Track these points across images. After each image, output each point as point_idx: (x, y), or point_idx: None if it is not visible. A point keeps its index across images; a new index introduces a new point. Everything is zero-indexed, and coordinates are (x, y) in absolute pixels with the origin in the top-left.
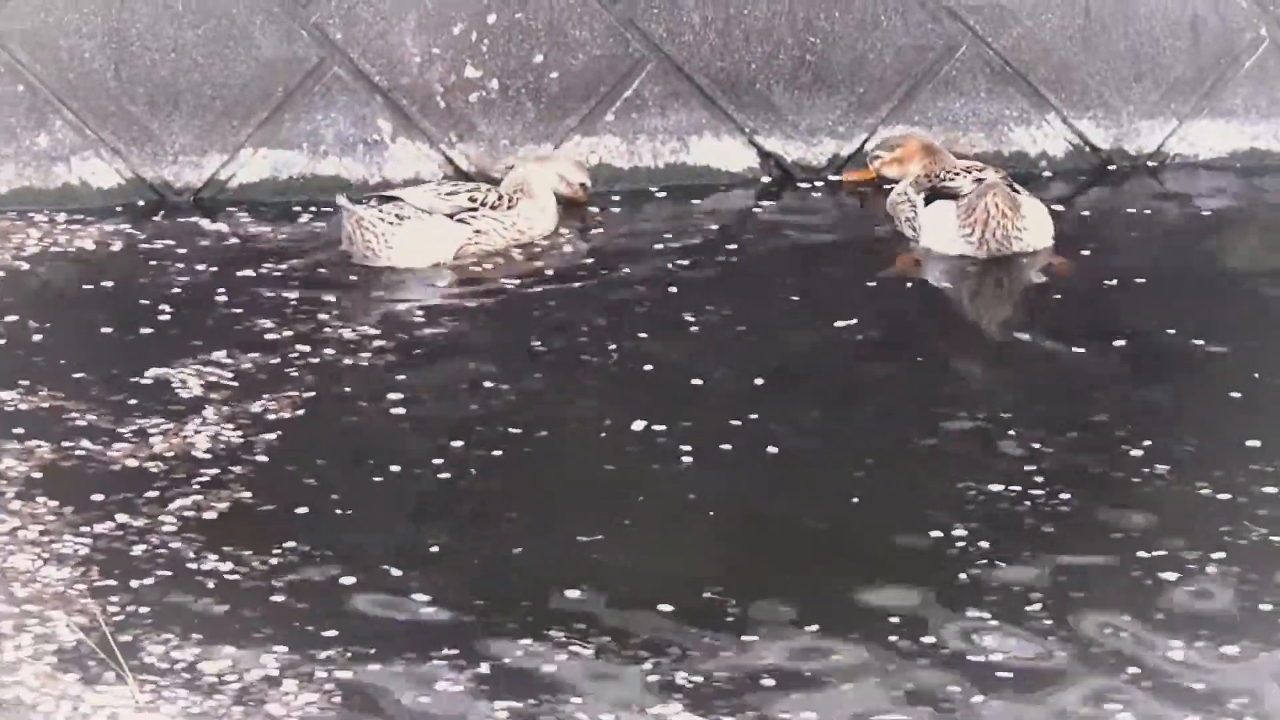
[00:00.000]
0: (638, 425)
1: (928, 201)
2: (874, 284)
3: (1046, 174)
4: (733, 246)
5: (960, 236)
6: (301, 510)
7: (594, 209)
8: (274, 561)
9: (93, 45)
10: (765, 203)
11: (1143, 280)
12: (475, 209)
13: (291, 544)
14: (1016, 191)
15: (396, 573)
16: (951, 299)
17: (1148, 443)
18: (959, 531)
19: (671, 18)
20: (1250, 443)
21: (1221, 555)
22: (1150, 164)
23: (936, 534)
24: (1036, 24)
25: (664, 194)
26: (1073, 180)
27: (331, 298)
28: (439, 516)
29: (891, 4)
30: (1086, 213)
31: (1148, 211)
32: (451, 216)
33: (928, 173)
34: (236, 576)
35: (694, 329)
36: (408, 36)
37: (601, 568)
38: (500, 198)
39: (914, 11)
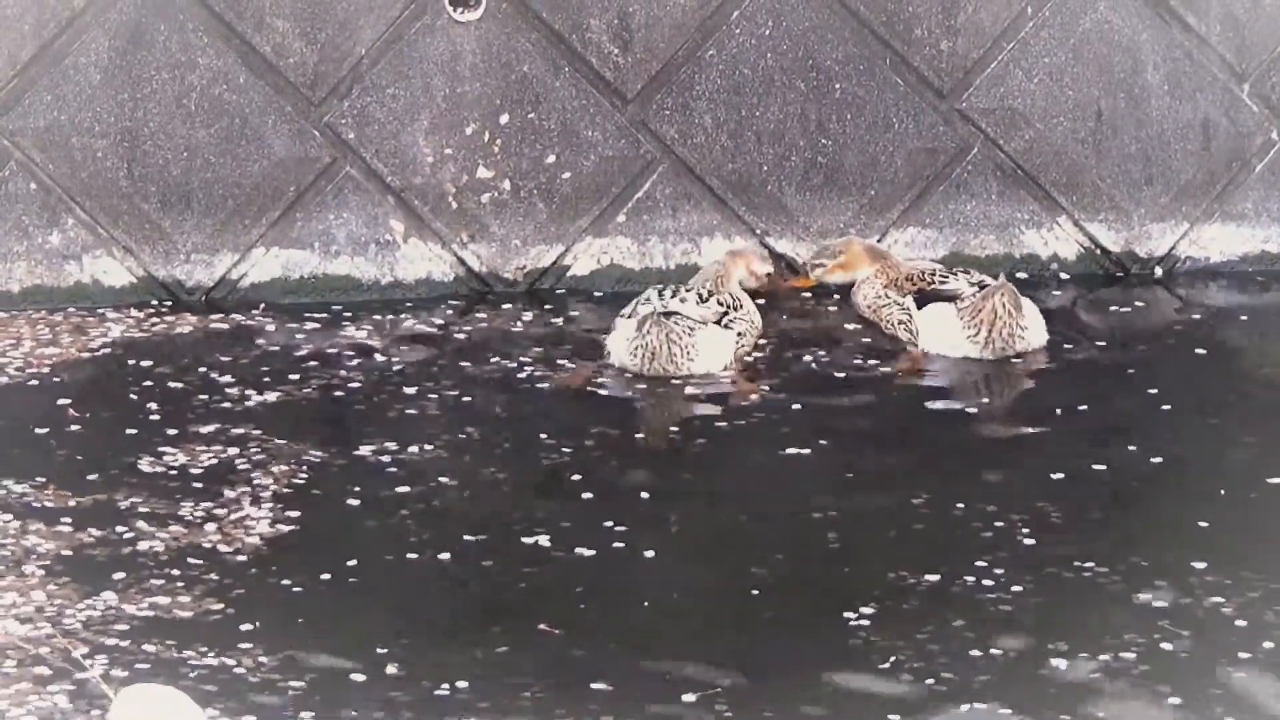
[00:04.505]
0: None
1: (920, 304)
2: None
3: (1061, 276)
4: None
5: (965, 338)
6: (285, 607)
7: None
8: (266, 660)
9: (105, 144)
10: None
11: (1139, 385)
12: (727, 312)
13: (257, 645)
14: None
15: (392, 669)
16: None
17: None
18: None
19: (684, 119)
20: (1196, 563)
21: (1129, 657)
22: (1161, 267)
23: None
24: (1048, 127)
25: None
26: (1083, 283)
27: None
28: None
29: (903, 107)
30: (1095, 314)
31: (1155, 314)
32: (718, 323)
33: (906, 275)
34: (241, 670)
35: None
36: (420, 136)
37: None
38: (732, 298)
39: (926, 114)
